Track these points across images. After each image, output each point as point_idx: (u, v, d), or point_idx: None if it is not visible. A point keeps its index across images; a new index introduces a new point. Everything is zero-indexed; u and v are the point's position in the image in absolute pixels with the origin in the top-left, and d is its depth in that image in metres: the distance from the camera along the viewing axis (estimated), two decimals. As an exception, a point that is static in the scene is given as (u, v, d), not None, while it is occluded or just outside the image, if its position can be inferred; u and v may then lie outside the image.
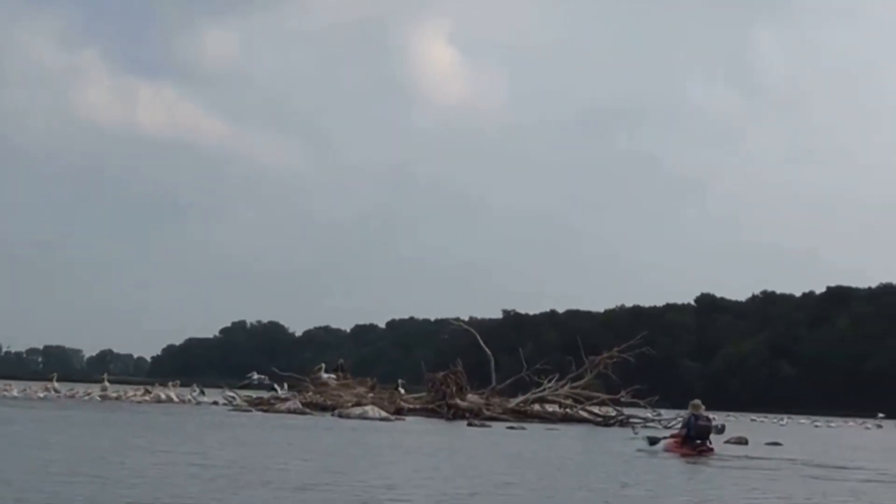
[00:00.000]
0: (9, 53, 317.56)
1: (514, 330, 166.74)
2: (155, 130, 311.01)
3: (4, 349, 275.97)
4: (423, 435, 45.25)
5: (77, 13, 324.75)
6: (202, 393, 73.82)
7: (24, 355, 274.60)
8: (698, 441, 35.53)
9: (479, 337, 75.71)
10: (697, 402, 36.75)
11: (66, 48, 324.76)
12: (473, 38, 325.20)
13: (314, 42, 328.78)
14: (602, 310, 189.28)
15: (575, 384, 67.64)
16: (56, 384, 74.53)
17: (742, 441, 45.26)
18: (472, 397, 65.48)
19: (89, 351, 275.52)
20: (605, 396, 66.79)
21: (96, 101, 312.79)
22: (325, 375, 71.41)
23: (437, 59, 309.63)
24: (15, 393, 70.90)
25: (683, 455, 34.33)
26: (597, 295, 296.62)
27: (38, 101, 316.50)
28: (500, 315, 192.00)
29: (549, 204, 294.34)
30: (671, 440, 36.68)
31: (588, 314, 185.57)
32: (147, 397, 71.29)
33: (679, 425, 39.48)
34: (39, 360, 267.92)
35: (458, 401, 64.11)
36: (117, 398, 70.71)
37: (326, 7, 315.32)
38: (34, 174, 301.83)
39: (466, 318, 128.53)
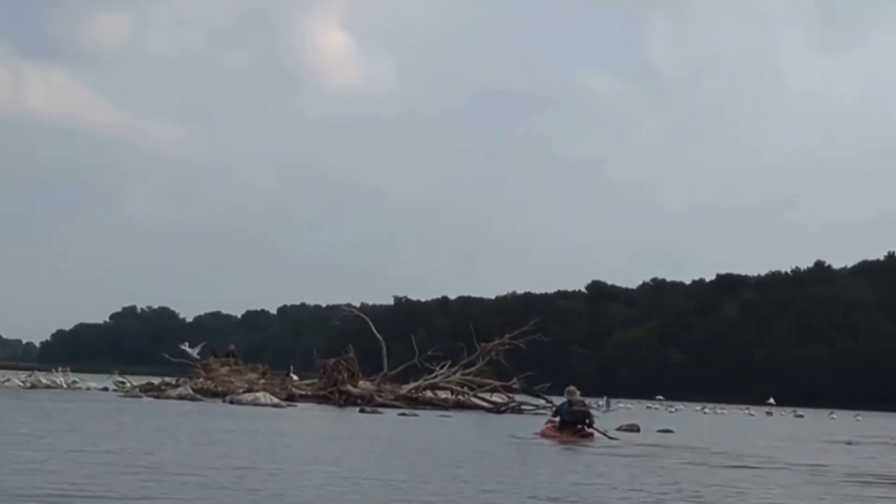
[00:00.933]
0: None
1: (405, 317, 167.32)
2: (47, 112, 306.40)
3: None
4: (314, 421, 45.29)
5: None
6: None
7: None
8: (579, 426, 35.87)
9: (370, 323, 75.78)
10: (572, 388, 37.17)
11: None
12: (366, 24, 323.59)
13: (205, 26, 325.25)
14: (493, 296, 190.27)
15: (467, 371, 67.93)
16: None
17: (634, 428, 45.73)
18: (364, 384, 65.56)
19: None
20: (497, 383, 67.10)
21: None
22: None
23: (330, 44, 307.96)
24: None
25: (562, 441, 34.58)
26: (488, 282, 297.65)
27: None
28: (391, 302, 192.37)
29: (440, 190, 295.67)
30: (546, 426, 37.26)
31: (479, 300, 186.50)
32: (20, 382, 70.58)
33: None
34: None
35: (349, 387, 64.16)
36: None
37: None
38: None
39: (358, 305, 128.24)
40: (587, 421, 36.28)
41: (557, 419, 36.63)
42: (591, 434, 36.01)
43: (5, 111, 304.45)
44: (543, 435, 36.43)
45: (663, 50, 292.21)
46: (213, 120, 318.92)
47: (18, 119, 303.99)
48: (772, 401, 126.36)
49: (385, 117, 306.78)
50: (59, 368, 76.64)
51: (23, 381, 70.62)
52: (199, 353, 73.82)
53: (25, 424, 32.32)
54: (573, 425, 35.82)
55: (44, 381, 71.02)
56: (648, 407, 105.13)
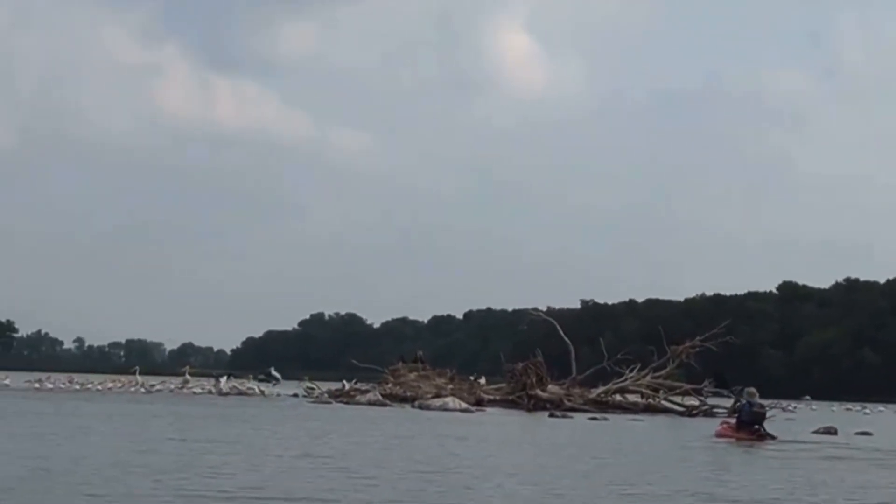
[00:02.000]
0: (90, 50, 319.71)
1: (592, 320, 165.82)
2: (234, 124, 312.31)
3: (87, 344, 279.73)
4: (504, 426, 44.82)
5: (157, 9, 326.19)
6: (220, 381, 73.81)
7: (107, 349, 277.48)
8: (755, 427, 36.21)
9: (558, 327, 75.02)
10: (752, 389, 37.78)
11: (146, 44, 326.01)
12: (550, 26, 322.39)
13: (390, 34, 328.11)
14: (682, 298, 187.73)
15: (657, 374, 66.85)
16: (139, 377, 75.08)
17: (831, 431, 44.30)
18: (553, 388, 64.84)
19: (170, 344, 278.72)
20: (687, 386, 65.77)
21: (176, 96, 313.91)
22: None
23: (514, 47, 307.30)
24: (98, 386, 72.34)
25: (739, 440, 35.30)
26: (676, 283, 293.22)
27: (118, 98, 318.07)
28: (578, 305, 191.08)
29: (627, 192, 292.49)
30: (722, 426, 38.13)
31: (668, 303, 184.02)
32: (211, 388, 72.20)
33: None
34: (121, 353, 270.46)
35: (538, 391, 63.54)
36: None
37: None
38: (116, 169, 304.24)
39: (544, 309, 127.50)
40: (762, 422, 36.58)
41: (733, 419, 37.71)
42: (772, 436, 36.13)
43: (196, 123, 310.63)
44: (719, 435, 36.88)
45: (852, 43, 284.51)
46: (398, 128, 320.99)
47: (208, 130, 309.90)
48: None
49: (571, 120, 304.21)
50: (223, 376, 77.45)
51: (213, 388, 72.17)
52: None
53: (218, 429, 32.55)
54: (750, 426, 36.26)
55: (224, 388, 72.43)
56: (846, 409, 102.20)
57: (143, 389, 71.25)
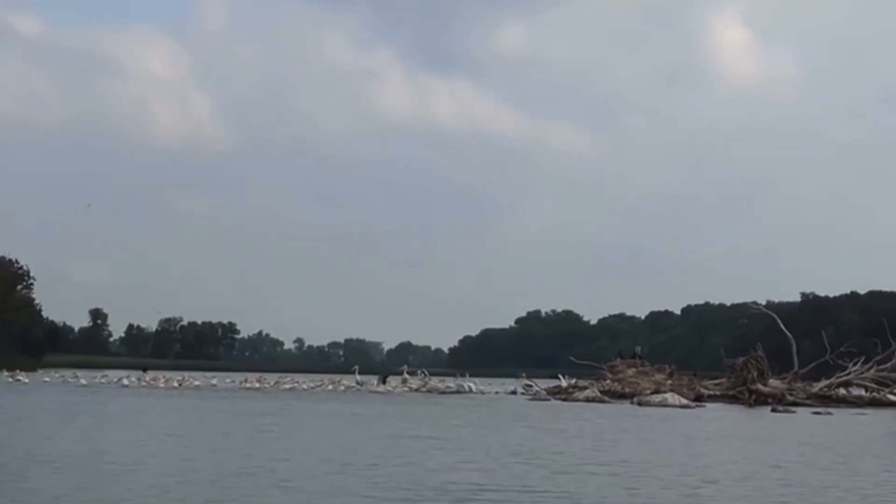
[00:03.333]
0: (307, 55, 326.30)
1: (813, 313, 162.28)
2: (451, 124, 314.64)
3: (307, 344, 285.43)
4: (727, 422, 44.36)
5: (370, 12, 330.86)
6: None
7: (326, 349, 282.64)
8: None
9: (778, 320, 73.75)
10: None
11: (362, 48, 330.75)
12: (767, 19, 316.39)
13: (605, 28, 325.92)
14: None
15: (881, 367, 65.26)
16: (359, 376, 76.54)
17: None
18: (775, 382, 63.90)
19: (389, 343, 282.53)
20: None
21: (392, 98, 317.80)
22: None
23: (731, 40, 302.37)
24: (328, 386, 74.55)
25: None
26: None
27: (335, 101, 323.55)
28: (798, 298, 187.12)
29: (843, 183, 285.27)
30: None
31: (891, 295, 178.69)
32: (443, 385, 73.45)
33: None
34: (340, 353, 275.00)
35: (759, 386, 62.69)
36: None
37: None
38: (336, 172, 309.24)
39: (763, 303, 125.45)
40: None
41: None
42: None
43: (415, 123, 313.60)
44: None
45: None
46: (615, 124, 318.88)
47: (426, 130, 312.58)
48: None
49: (785, 111, 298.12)
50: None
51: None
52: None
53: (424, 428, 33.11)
54: None
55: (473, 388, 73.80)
56: None
57: (359, 387, 73.20)
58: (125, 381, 75.11)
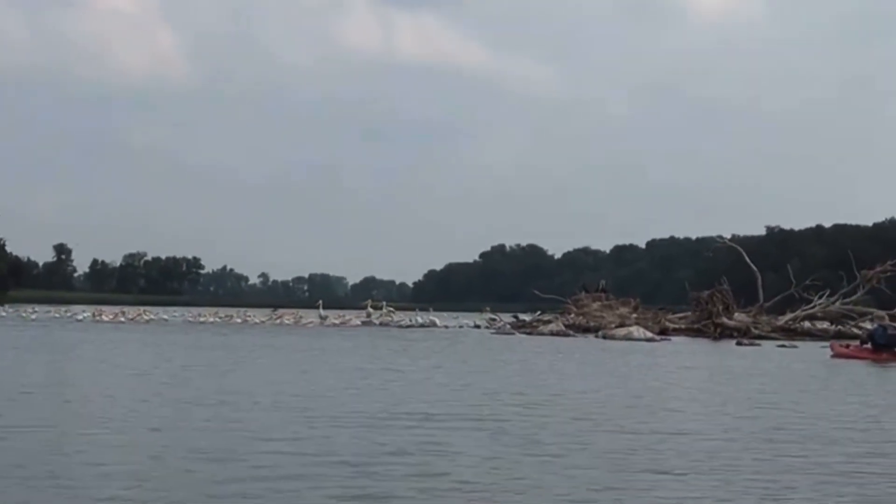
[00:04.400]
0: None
1: (778, 247, 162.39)
2: (415, 58, 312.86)
3: (271, 279, 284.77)
4: (691, 355, 44.04)
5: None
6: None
7: (290, 284, 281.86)
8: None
9: (744, 254, 73.54)
10: (882, 313, 47.88)
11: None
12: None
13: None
14: (871, 223, 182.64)
15: (846, 300, 65.24)
16: (322, 311, 76.20)
17: None
18: (740, 316, 63.81)
19: (353, 278, 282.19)
20: (879, 312, 63.73)
21: (356, 33, 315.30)
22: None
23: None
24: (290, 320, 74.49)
25: (881, 361, 39.38)
26: (864, 207, 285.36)
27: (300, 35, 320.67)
28: (763, 231, 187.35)
29: (811, 114, 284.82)
30: (846, 348, 43.11)
31: (856, 228, 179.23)
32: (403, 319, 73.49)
33: None
34: (305, 288, 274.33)
35: (725, 320, 62.58)
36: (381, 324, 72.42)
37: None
38: (301, 107, 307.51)
39: (728, 236, 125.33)
40: None
41: (869, 344, 41.59)
42: None
43: (378, 58, 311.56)
44: (846, 356, 41.35)
45: None
46: (578, 55, 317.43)
47: (389, 64, 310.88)
48: None
49: (752, 42, 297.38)
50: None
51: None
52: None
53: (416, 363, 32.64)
54: (889, 348, 40.59)
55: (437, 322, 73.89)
56: None
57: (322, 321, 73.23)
58: (79, 317, 74.98)
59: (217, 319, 75.81)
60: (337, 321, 73.22)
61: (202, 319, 75.91)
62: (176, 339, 49.03)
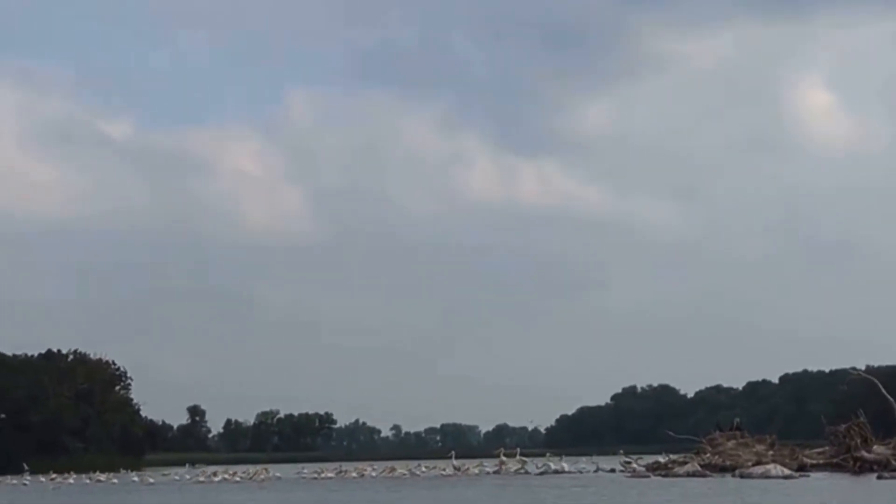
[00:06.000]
0: (393, 142, 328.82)
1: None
2: (536, 204, 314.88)
3: (403, 430, 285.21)
4: (833, 492, 43.57)
5: (454, 98, 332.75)
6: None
7: (423, 434, 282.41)
8: None
9: (879, 385, 72.52)
10: None
11: (447, 133, 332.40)
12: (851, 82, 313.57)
13: (687, 101, 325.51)
14: None
15: None
16: (455, 461, 76.52)
17: None
18: (879, 448, 62.66)
19: (485, 426, 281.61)
20: None
21: (478, 182, 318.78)
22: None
23: (815, 106, 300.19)
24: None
25: None
26: None
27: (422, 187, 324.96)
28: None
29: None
30: None
31: None
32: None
33: None
34: (437, 438, 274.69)
35: (863, 453, 61.55)
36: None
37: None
38: (424, 257, 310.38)
39: (863, 367, 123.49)
40: None
41: None
42: None
43: (500, 204, 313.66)
44: None
45: None
46: (703, 196, 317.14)
47: (513, 211, 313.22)
48: None
49: (877, 176, 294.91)
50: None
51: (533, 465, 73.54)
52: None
53: None
54: None
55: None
56: None
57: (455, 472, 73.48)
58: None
59: (331, 475, 76.19)
60: (475, 470, 73.57)
61: (319, 476, 76.19)
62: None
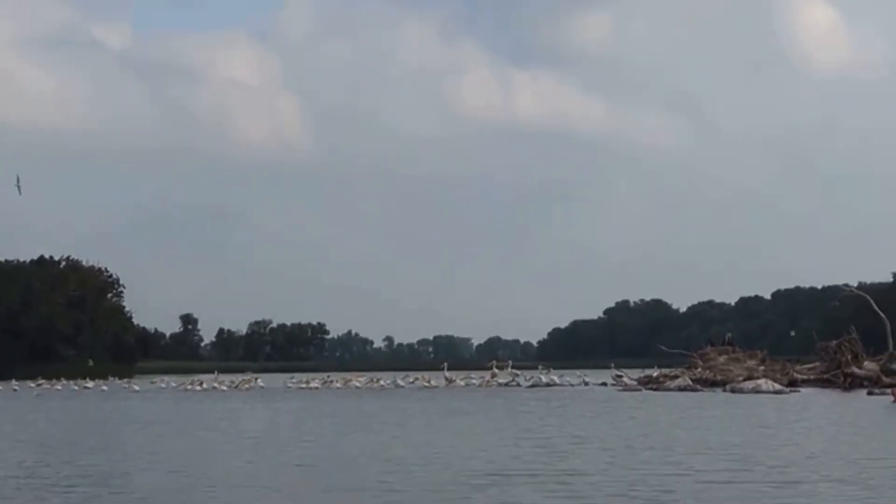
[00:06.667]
0: (393, 51, 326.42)
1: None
2: (534, 121, 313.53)
3: (396, 342, 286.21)
4: (822, 407, 43.49)
5: (454, 7, 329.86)
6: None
7: (416, 346, 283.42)
8: None
9: (871, 302, 72.43)
10: None
11: (446, 42, 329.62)
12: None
13: (686, 14, 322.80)
14: None
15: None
16: (447, 373, 76.80)
17: None
18: (869, 365, 62.65)
19: (478, 339, 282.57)
20: None
21: (474, 92, 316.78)
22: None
23: (816, 21, 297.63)
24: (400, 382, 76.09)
25: None
26: None
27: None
28: (890, 279, 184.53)
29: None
30: None
31: None
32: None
33: None
34: (430, 350, 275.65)
35: (854, 369, 61.56)
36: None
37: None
38: (421, 175, 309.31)
39: (855, 284, 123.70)
40: None
41: None
42: None
43: (498, 119, 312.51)
44: None
45: None
46: (701, 113, 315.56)
47: (510, 125, 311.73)
48: None
49: (876, 88, 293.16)
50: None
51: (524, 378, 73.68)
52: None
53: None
54: None
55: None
56: None
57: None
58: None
59: (318, 385, 76.54)
60: (462, 382, 73.79)
61: (308, 385, 76.83)
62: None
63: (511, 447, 25.29)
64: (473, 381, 75.01)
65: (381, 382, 75.13)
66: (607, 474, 19.47)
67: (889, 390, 51.58)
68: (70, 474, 20.74)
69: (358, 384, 75.34)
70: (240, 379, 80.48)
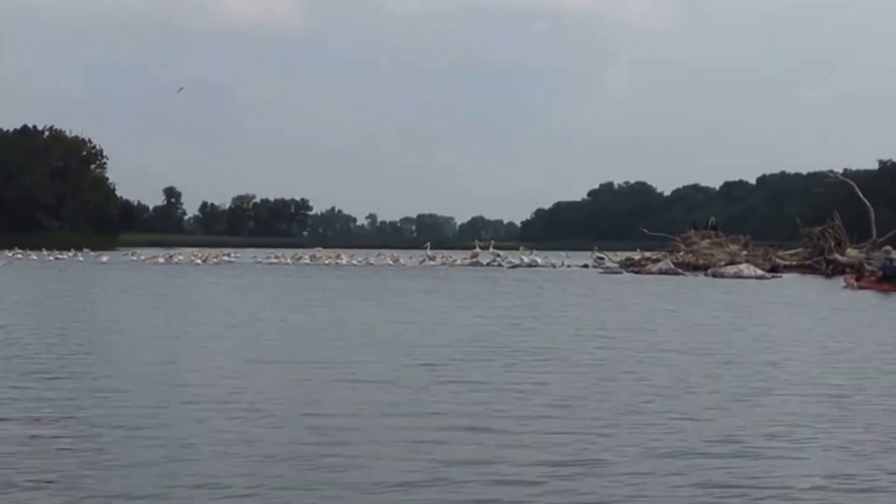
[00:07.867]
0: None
1: (891, 181, 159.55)
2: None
3: (379, 220, 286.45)
4: (803, 292, 43.42)
5: None
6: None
7: (399, 224, 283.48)
8: None
9: (857, 189, 72.25)
10: (889, 248, 50.38)
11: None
12: None
13: None
14: None
15: (961, 234, 63.86)
16: (429, 252, 76.76)
17: None
18: (852, 252, 62.63)
19: (461, 218, 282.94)
20: None
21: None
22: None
23: None
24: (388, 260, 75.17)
25: (885, 290, 42.79)
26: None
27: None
28: (875, 166, 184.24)
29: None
30: (864, 281, 46.83)
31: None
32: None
33: None
34: (413, 228, 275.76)
35: (837, 256, 61.55)
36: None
37: None
38: (405, 54, 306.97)
39: (840, 171, 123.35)
40: None
41: (881, 272, 46.27)
42: None
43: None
44: (847, 285, 46.15)
45: None
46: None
47: (495, 4, 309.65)
48: None
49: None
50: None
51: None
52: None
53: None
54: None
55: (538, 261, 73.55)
56: None
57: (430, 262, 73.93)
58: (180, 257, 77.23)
59: (288, 262, 76.60)
60: (439, 260, 74.02)
61: (279, 260, 77.02)
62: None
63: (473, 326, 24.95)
64: (455, 259, 75.15)
65: (345, 259, 75.65)
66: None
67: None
68: None
69: (327, 262, 75.54)
70: (208, 252, 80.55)
